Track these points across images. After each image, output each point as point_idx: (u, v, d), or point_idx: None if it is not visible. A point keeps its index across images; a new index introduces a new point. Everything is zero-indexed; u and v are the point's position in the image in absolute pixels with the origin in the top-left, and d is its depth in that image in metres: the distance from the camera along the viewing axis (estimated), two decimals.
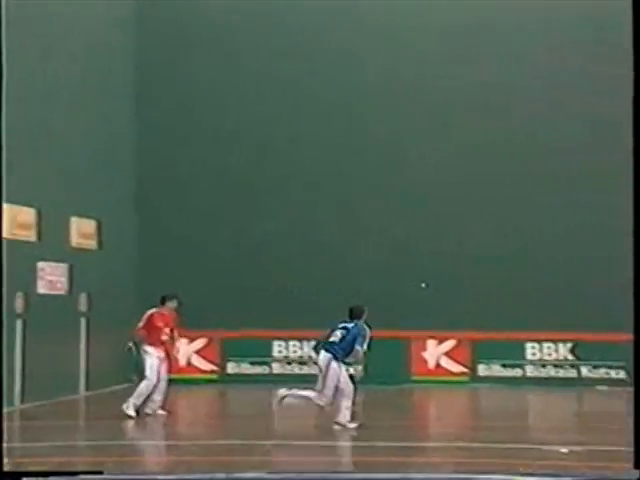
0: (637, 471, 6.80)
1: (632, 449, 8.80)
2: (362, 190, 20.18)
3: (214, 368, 20.03)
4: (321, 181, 20.30)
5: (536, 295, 19.36)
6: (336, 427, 12.48)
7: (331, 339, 12.82)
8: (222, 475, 7.95)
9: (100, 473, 7.65)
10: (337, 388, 12.53)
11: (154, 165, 20.12)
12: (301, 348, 20.10)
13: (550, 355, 19.82)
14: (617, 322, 18.81)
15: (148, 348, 13.80)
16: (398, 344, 19.60)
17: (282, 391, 12.77)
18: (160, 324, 13.83)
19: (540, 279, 19.45)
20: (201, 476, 7.70)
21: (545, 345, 19.80)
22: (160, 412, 13.94)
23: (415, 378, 19.83)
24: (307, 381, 13.91)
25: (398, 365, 19.64)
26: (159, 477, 7.80)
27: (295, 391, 12.79)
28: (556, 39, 19.96)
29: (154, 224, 19.97)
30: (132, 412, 13.55)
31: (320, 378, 12.64)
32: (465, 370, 19.96)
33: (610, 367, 19.50)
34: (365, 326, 12.96)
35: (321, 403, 12.62)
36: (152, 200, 20.12)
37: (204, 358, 20.04)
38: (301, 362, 20.02)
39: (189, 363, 19.93)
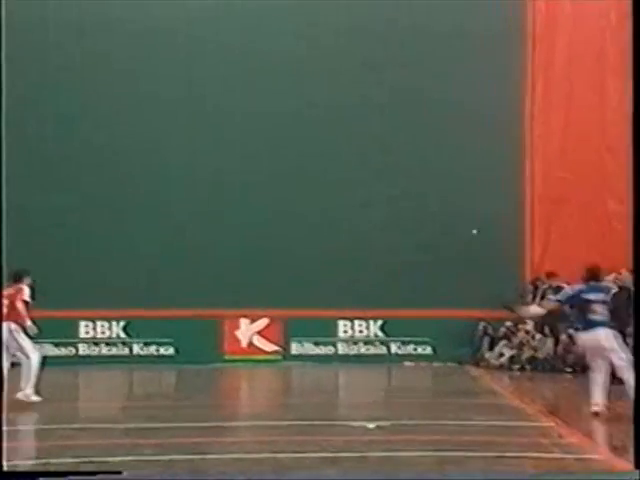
0: (637, 471, 6.85)
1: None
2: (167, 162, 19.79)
3: None
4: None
5: (348, 273, 19.67)
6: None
7: (599, 317, 11.62)
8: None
9: (119, 473, 7.36)
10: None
11: None
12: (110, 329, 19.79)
13: (361, 332, 20.22)
14: (423, 300, 19.45)
15: (19, 328, 12.95)
16: (211, 323, 19.52)
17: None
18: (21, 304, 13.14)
19: (352, 258, 19.74)
20: (228, 477, 7.33)
21: (356, 323, 20.18)
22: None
23: (228, 357, 19.81)
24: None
25: (210, 344, 19.56)
26: (178, 478, 7.39)
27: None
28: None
29: None
30: (36, 397, 12.84)
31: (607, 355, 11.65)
32: (278, 348, 20.10)
33: (417, 343, 20.10)
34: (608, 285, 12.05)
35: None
36: None
37: None
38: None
39: None
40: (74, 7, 19.80)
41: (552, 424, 11.26)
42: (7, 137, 18.11)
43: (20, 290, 13.20)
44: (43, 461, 8.16)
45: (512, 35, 20.08)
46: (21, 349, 12.88)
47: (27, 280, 13.40)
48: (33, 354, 12.88)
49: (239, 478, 7.50)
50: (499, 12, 19.93)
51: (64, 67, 19.67)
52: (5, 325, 12.69)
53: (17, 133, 18.79)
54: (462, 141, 19.91)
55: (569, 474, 7.73)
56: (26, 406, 12.63)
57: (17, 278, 13.29)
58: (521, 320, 19.62)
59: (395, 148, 19.98)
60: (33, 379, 12.83)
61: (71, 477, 7.08)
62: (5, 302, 12.89)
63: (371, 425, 10.87)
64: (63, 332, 19.37)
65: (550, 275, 19.53)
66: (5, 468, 7.24)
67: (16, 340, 12.86)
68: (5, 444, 7.62)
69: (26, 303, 13.21)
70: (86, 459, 8.84)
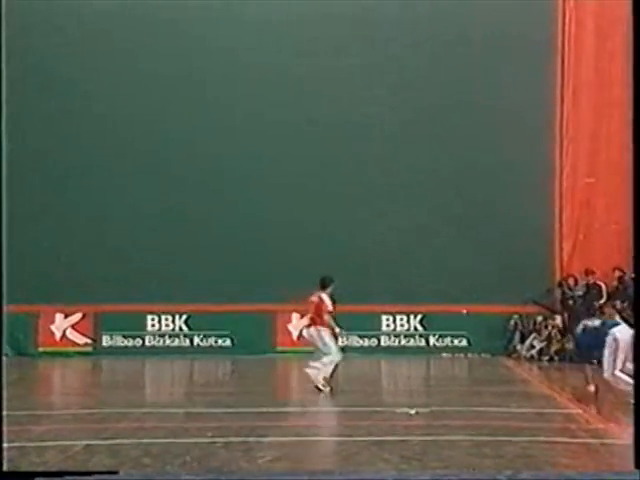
0: (637, 471, 6.67)
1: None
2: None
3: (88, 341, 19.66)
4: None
5: (390, 271, 19.53)
6: None
7: None
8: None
9: (115, 473, 7.11)
10: None
11: None
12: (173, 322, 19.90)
13: (402, 326, 20.12)
14: (459, 296, 19.28)
15: (327, 330, 12.89)
16: (264, 317, 19.53)
17: None
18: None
19: (395, 258, 19.59)
20: (228, 477, 7.22)
21: (398, 317, 20.08)
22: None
23: (279, 349, 19.80)
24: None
25: (264, 337, 19.56)
26: (178, 477, 7.30)
27: None
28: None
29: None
30: (324, 387, 12.74)
31: None
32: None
33: (453, 336, 19.95)
34: None
35: None
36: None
37: (78, 331, 19.67)
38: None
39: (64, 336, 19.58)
40: None
41: (580, 411, 11.11)
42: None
43: (322, 301, 12.91)
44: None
45: (543, 41, 19.60)
46: (327, 348, 12.84)
47: (330, 288, 13.01)
48: (336, 355, 12.85)
49: (239, 477, 7.25)
50: (529, 19, 19.40)
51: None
52: (313, 328, 12.91)
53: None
54: (497, 144, 19.54)
55: (566, 473, 7.51)
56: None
57: (323, 285, 13.01)
58: (550, 315, 19.44)
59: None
60: (326, 370, 12.79)
61: (68, 477, 6.81)
62: (311, 309, 12.98)
63: (413, 411, 10.80)
64: (132, 325, 19.55)
65: (589, 272, 19.38)
66: (5, 468, 6.96)
67: (323, 339, 12.85)
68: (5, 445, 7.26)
69: (330, 310, 12.96)
70: (154, 440, 8.89)
